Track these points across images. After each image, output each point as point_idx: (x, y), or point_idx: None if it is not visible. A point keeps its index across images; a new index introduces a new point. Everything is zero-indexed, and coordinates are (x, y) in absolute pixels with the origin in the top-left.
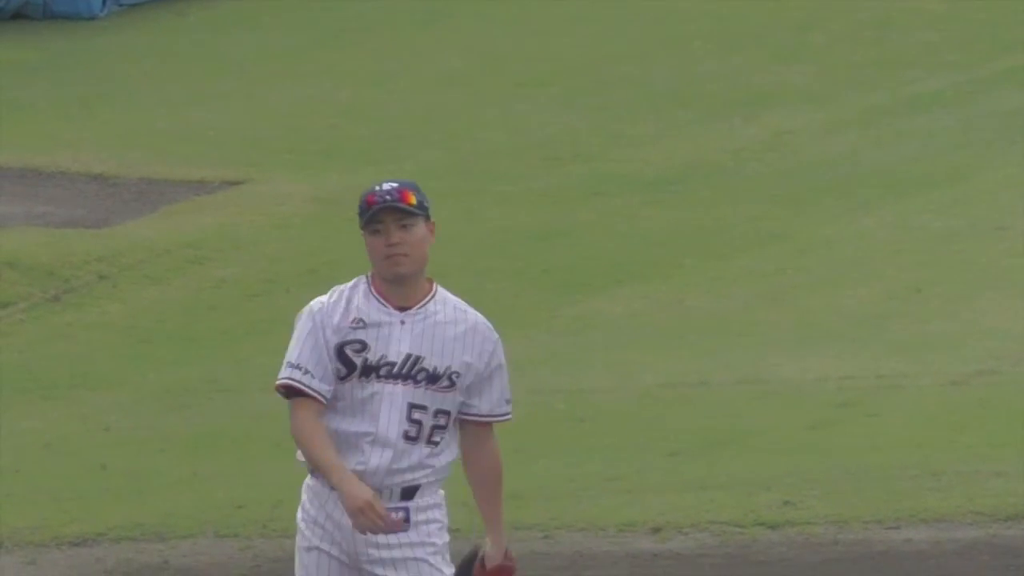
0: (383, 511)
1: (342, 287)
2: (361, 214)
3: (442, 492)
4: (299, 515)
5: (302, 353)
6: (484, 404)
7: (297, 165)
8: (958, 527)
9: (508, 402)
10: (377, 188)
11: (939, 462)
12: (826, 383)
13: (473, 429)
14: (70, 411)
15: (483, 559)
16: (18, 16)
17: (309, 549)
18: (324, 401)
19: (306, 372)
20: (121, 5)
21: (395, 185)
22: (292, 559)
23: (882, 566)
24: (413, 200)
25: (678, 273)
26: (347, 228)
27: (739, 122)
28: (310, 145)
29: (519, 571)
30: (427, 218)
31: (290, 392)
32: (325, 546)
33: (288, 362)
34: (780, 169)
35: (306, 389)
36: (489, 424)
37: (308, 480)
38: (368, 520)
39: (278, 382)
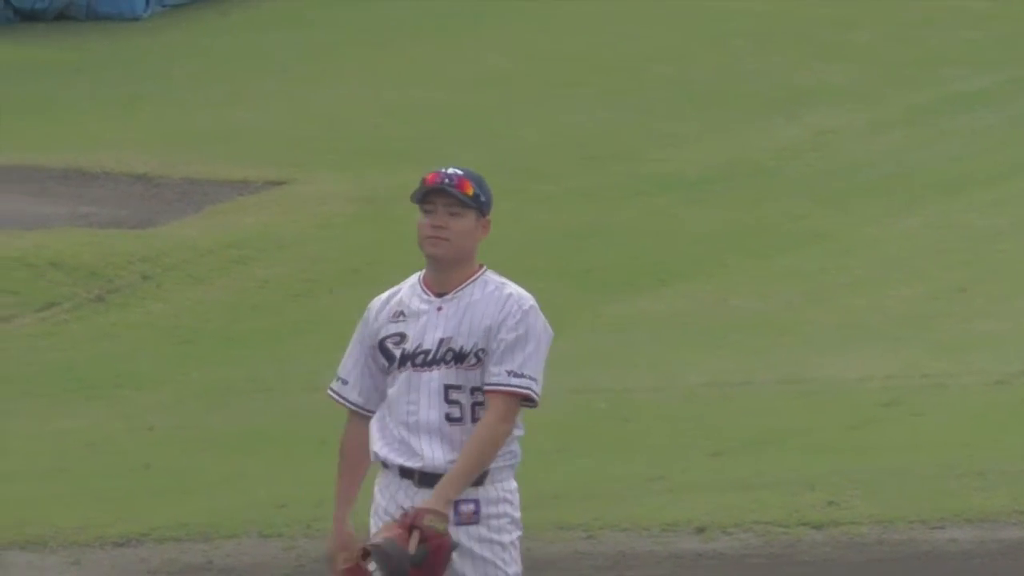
0: (358, 570)
1: (401, 283)
2: (416, 191)
3: (515, 484)
4: (371, 509)
5: (347, 362)
6: (493, 372)
7: (340, 165)
8: (1003, 527)
9: (518, 375)
10: (442, 170)
11: (984, 461)
12: (870, 383)
13: (487, 401)
14: (114, 411)
15: (409, 512)
16: (62, 17)
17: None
18: (355, 408)
19: (344, 383)
20: (164, 5)
21: (459, 172)
22: None
23: (927, 566)
24: (470, 191)
25: (721, 272)
26: (390, 228)
27: (781, 121)
28: (352, 145)
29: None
30: (481, 213)
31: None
32: None
33: (337, 371)
34: (822, 169)
35: (339, 400)
36: (493, 393)
37: (379, 473)
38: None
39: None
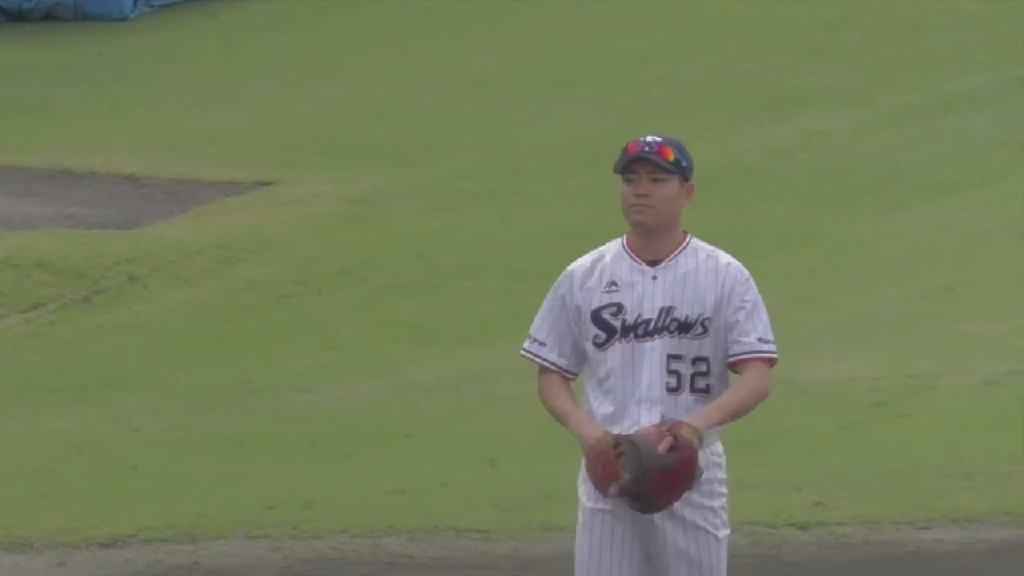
0: (607, 458)
1: (599, 249)
2: (618, 161)
3: (722, 447)
4: (579, 479)
5: (541, 325)
6: (744, 341)
7: (328, 166)
8: (990, 528)
9: (764, 340)
10: (641, 139)
11: (971, 463)
12: (858, 383)
13: (742, 369)
14: (101, 412)
15: (667, 421)
16: (49, 17)
17: (595, 511)
18: (557, 370)
19: (542, 344)
20: (152, 6)
21: (658, 139)
22: (323, 560)
23: (913, 567)
24: (671, 156)
25: None
26: (378, 229)
27: (771, 123)
28: (341, 146)
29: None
30: (684, 178)
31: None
32: (609, 506)
33: (528, 333)
34: (813, 170)
35: (538, 360)
36: (750, 360)
37: None
38: (591, 463)
39: (521, 352)
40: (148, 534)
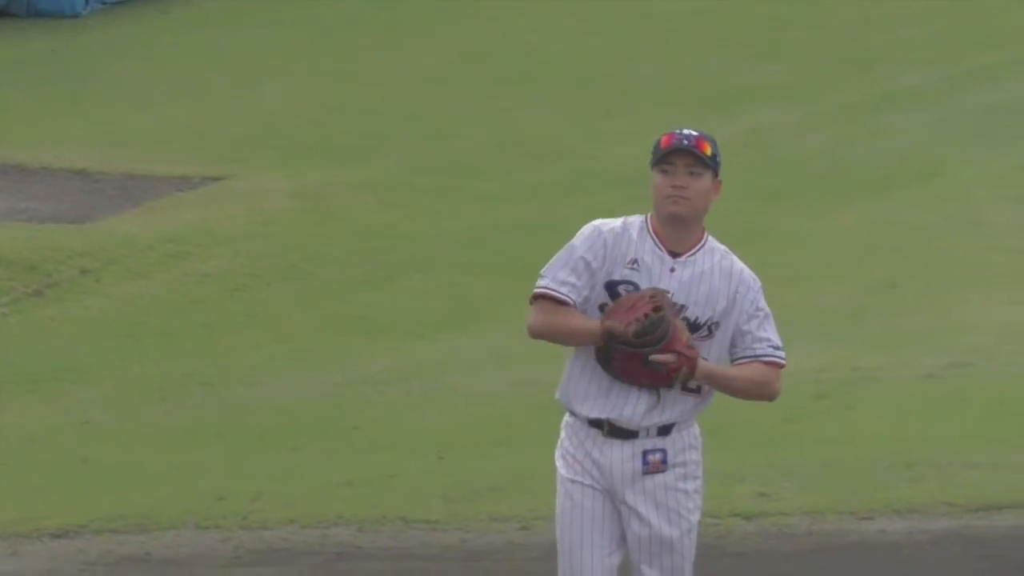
0: (643, 303)
1: (624, 219)
2: (655, 152)
3: (697, 429)
4: (557, 452)
5: (558, 273)
6: (758, 346)
7: (279, 161)
8: (931, 518)
9: (776, 348)
10: (677, 131)
11: (913, 454)
12: (802, 376)
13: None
14: (53, 405)
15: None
16: (2, 14)
17: (574, 481)
18: (569, 301)
19: (563, 283)
20: (104, 3)
21: (695, 133)
22: (272, 551)
23: (855, 557)
24: (708, 151)
25: None
26: (328, 223)
27: (716, 119)
28: (292, 142)
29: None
30: (716, 174)
31: (538, 298)
32: (588, 480)
33: (541, 274)
34: (757, 166)
35: (552, 293)
36: (763, 364)
37: (567, 418)
38: (632, 299)
39: (535, 291)
40: (100, 525)
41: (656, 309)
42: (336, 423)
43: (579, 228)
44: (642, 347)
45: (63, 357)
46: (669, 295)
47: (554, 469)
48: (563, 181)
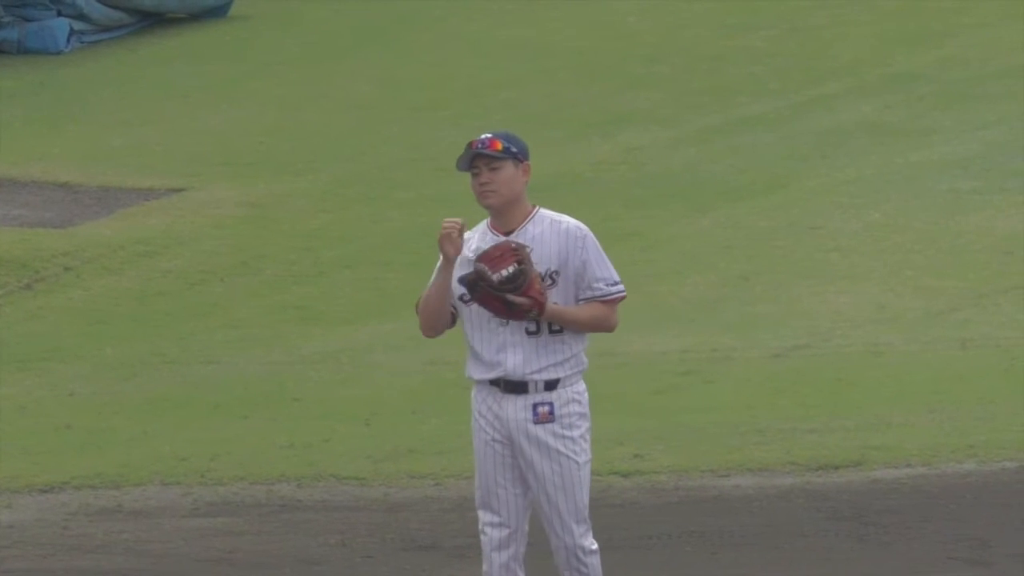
0: (508, 250)
1: (474, 228)
2: (461, 159)
3: (584, 386)
4: (473, 414)
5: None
6: (594, 286)
7: (230, 175)
8: (778, 475)
9: (614, 283)
10: (476, 140)
11: (763, 421)
12: (669, 356)
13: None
14: (40, 380)
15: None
16: None
17: (478, 434)
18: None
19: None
20: (83, 42)
21: (489, 136)
22: (225, 503)
23: (715, 508)
24: (500, 147)
25: None
26: (272, 228)
27: (598, 140)
28: (241, 159)
29: (418, 512)
30: (517, 160)
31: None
32: (490, 431)
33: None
34: (632, 179)
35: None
36: (601, 302)
37: (473, 389)
38: (445, 234)
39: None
40: (79, 481)
41: (520, 262)
42: (279, 396)
43: None
44: (503, 292)
45: (49, 340)
46: (528, 249)
47: (461, 433)
48: (468, 192)
